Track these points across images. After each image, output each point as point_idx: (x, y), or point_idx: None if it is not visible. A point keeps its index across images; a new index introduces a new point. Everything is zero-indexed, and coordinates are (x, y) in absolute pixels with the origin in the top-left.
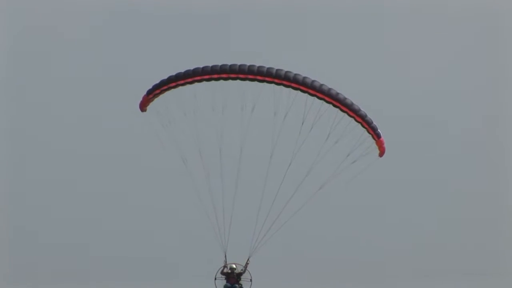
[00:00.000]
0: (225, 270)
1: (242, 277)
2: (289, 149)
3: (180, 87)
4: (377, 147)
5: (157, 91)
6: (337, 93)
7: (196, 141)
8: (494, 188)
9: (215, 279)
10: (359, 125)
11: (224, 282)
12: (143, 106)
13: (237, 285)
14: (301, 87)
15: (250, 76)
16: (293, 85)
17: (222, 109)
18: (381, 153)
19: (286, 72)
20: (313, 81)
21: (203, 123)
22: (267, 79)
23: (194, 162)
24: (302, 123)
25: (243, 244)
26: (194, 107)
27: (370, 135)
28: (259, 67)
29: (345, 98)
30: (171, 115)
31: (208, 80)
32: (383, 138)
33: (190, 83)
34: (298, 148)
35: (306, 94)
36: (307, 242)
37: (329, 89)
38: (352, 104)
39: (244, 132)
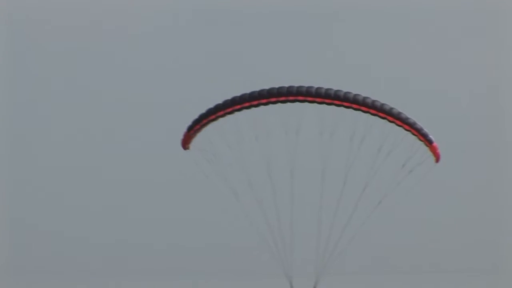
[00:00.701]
0: None
1: None
2: (341, 167)
3: (221, 119)
4: (431, 153)
5: (198, 126)
6: (382, 104)
7: (243, 169)
8: None
9: None
10: (409, 133)
11: None
12: (185, 143)
13: None
14: (347, 104)
15: (291, 98)
16: (338, 102)
17: (266, 135)
18: (437, 159)
19: (333, 90)
20: (362, 97)
21: (249, 152)
22: (308, 98)
23: (245, 191)
24: (351, 139)
25: (307, 270)
26: (237, 137)
27: (422, 142)
28: (298, 87)
29: (392, 108)
30: (215, 148)
31: (248, 107)
32: (435, 143)
33: (231, 113)
34: (351, 164)
35: (350, 109)
36: (370, 258)
37: (375, 101)
38: (400, 113)
39: (291, 155)
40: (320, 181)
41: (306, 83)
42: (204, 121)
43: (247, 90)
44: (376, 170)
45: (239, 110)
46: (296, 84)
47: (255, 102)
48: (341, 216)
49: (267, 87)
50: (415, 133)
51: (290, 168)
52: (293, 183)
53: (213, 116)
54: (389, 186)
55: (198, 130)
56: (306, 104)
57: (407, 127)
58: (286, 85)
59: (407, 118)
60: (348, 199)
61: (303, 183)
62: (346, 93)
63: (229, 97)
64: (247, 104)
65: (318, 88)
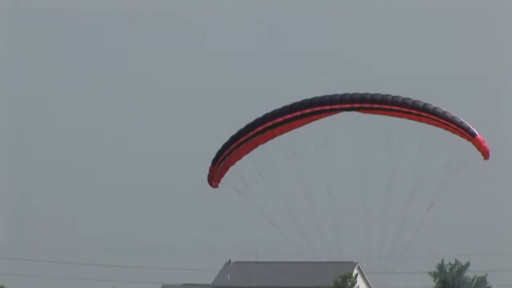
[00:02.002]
0: None
1: None
2: (385, 175)
3: (243, 145)
4: (475, 148)
5: (221, 158)
6: (417, 102)
7: (281, 193)
8: None
9: None
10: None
11: None
12: (212, 180)
13: None
14: (380, 106)
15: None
16: (373, 105)
17: (298, 155)
18: (485, 154)
19: (364, 94)
20: (401, 98)
21: (283, 175)
22: (335, 106)
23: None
24: (388, 144)
25: None
26: (269, 163)
27: (464, 137)
28: (322, 97)
29: (425, 104)
30: (247, 180)
31: (273, 127)
32: (480, 135)
33: (254, 136)
34: (395, 172)
35: (387, 112)
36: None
37: (415, 101)
38: (435, 108)
39: (328, 171)
40: (364, 192)
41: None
42: (227, 150)
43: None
44: (422, 173)
45: (262, 131)
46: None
47: (270, 123)
48: (393, 224)
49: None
50: (455, 126)
51: (328, 186)
52: (333, 197)
53: (235, 144)
54: (438, 188)
55: (225, 164)
56: (330, 116)
57: (445, 121)
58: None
59: (445, 112)
60: (396, 207)
61: (345, 196)
62: (373, 95)
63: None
64: (270, 124)
65: (345, 95)
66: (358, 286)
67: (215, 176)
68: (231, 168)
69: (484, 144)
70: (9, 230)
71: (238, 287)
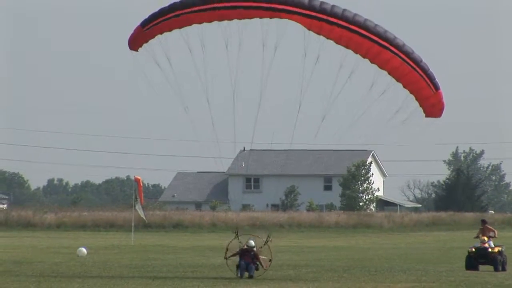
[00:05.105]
0: (244, 247)
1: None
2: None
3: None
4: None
5: (155, 22)
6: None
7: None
8: None
9: (227, 258)
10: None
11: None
12: (134, 43)
13: (253, 266)
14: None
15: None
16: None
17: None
18: (440, 111)
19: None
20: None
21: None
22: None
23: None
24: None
25: None
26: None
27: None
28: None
29: (396, 38)
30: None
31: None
32: (441, 90)
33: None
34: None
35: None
36: None
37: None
38: (404, 45)
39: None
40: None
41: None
42: (165, 17)
43: None
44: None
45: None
46: None
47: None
48: None
49: None
50: (420, 72)
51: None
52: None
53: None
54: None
55: (155, 29)
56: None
57: (412, 63)
58: None
59: (412, 53)
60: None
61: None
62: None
63: None
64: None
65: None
66: (372, 174)
67: (139, 40)
68: None
69: (443, 100)
70: None
71: (252, 174)
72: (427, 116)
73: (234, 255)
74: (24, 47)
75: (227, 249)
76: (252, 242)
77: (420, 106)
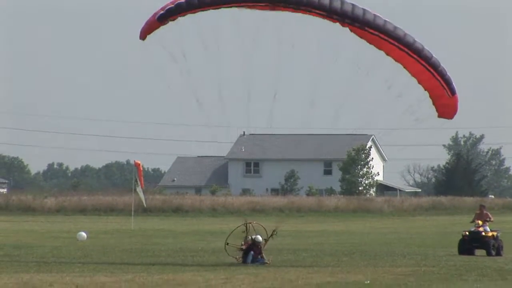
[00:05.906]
0: (249, 241)
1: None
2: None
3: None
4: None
5: (173, 17)
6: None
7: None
8: None
9: (227, 244)
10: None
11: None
12: (146, 32)
13: (261, 259)
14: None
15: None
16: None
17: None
18: (453, 114)
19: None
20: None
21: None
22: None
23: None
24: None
25: None
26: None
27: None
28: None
29: (415, 41)
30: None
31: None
32: (457, 95)
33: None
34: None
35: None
36: None
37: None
38: (423, 49)
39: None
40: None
41: None
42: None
43: None
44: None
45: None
46: None
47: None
48: None
49: None
50: (438, 77)
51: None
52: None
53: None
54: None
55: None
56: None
57: (431, 69)
58: None
59: (432, 57)
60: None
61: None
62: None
63: None
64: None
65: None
66: (372, 158)
67: (150, 30)
68: None
69: (457, 104)
70: None
71: (252, 159)
72: (439, 116)
73: (238, 248)
74: (24, 36)
75: (230, 233)
76: (259, 238)
77: (434, 105)
